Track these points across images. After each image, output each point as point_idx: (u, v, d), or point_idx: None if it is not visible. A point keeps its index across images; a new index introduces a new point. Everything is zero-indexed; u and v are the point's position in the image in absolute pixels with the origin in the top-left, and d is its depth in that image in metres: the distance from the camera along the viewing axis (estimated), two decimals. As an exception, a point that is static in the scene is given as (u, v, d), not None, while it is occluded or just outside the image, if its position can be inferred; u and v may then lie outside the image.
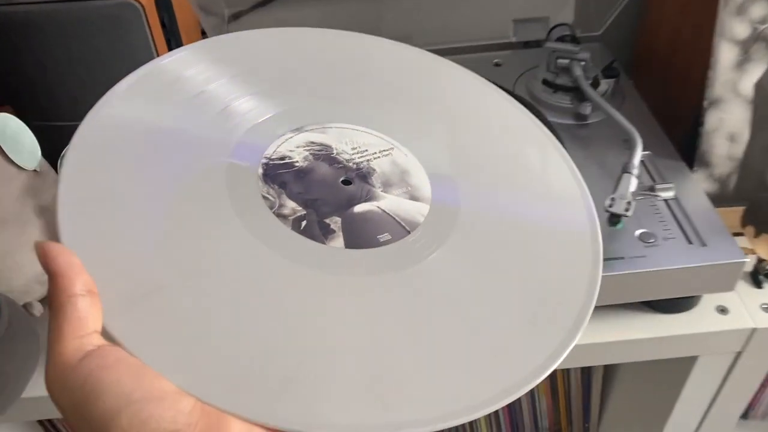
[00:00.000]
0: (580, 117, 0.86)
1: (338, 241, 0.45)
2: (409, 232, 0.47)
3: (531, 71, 0.95)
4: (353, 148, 0.52)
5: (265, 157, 0.50)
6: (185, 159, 0.47)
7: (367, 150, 0.53)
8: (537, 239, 0.50)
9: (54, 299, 0.35)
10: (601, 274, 0.48)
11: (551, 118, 0.85)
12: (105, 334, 0.37)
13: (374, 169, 0.51)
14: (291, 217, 0.46)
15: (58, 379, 0.33)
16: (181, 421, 0.33)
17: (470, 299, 0.44)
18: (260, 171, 0.49)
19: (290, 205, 0.47)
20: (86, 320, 0.35)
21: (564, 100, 0.88)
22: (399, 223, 0.48)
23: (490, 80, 0.62)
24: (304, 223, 0.46)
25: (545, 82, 0.89)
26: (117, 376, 0.33)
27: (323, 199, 0.48)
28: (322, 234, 0.46)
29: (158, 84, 0.51)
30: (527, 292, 0.46)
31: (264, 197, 0.47)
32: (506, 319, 0.44)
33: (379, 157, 0.52)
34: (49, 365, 0.34)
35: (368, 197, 0.49)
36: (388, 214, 0.48)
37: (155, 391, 0.34)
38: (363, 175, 0.51)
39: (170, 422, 0.32)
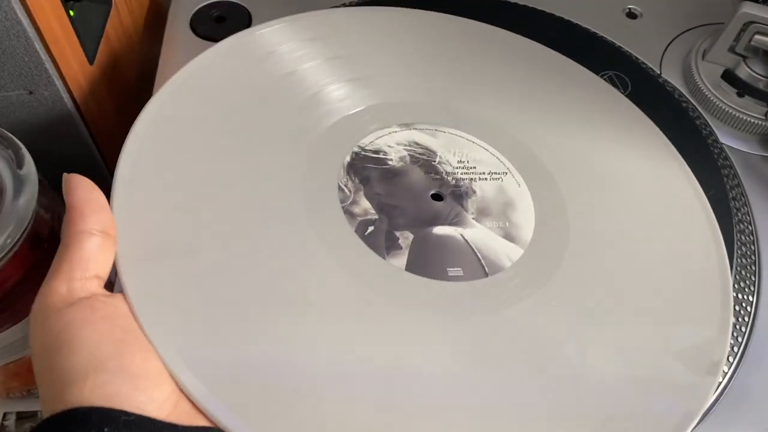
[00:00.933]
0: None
1: (401, 259, 0.39)
2: (487, 275, 0.40)
3: (697, 41, 0.61)
4: (460, 162, 0.45)
5: (359, 146, 0.45)
6: (270, 126, 0.43)
7: (475, 168, 0.45)
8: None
9: (63, 233, 0.32)
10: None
11: (727, 142, 0.56)
12: (110, 285, 0.34)
13: (475, 192, 0.44)
14: (360, 218, 0.41)
15: (40, 316, 0.31)
16: (148, 409, 0.29)
17: (528, 379, 0.36)
18: (347, 159, 0.44)
19: (364, 205, 0.41)
20: (89, 261, 0.32)
21: (757, 112, 0.56)
22: (480, 260, 0.40)
23: (618, 41, 0.50)
24: (371, 228, 0.40)
25: (729, 77, 0.57)
26: (98, 337, 0.30)
27: (403, 208, 0.42)
28: (386, 246, 0.39)
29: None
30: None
31: (339, 188, 0.42)
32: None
33: (486, 179, 0.45)
34: (38, 298, 0.31)
35: (455, 221, 0.42)
36: (471, 246, 0.41)
37: (133, 366, 0.30)
38: (459, 194, 0.44)
39: (136, 407, 0.28)
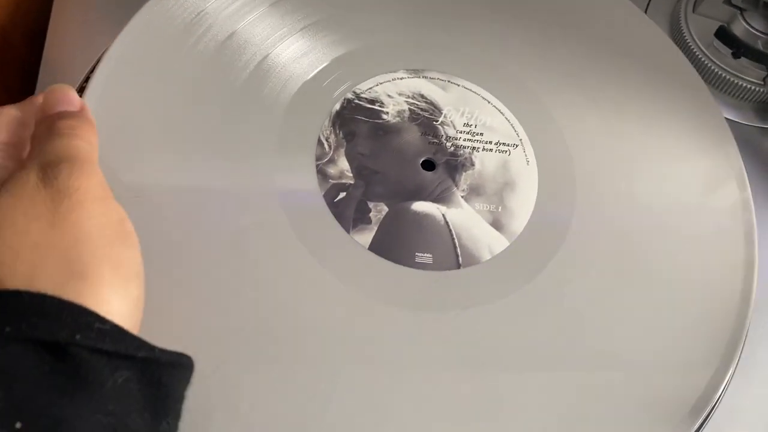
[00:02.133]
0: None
1: (366, 236, 0.36)
2: (459, 267, 0.36)
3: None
4: (466, 125, 0.40)
5: (354, 92, 0.40)
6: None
7: (481, 135, 0.40)
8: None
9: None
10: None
11: (725, 113, 0.48)
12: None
13: (473, 164, 0.39)
14: (333, 181, 0.37)
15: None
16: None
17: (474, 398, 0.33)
18: (337, 107, 0.39)
19: (342, 166, 0.38)
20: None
21: (754, 76, 0.48)
22: (455, 248, 0.36)
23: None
24: (342, 195, 0.37)
25: (723, 35, 0.48)
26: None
27: (385, 175, 0.38)
28: (354, 219, 0.36)
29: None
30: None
31: (320, 141, 0.38)
32: None
33: (491, 149, 0.40)
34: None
35: (441, 197, 0.38)
36: (450, 230, 0.37)
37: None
38: (455, 165, 0.39)
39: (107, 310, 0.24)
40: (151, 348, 0.24)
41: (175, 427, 0.25)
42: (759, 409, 0.38)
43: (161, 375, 0.24)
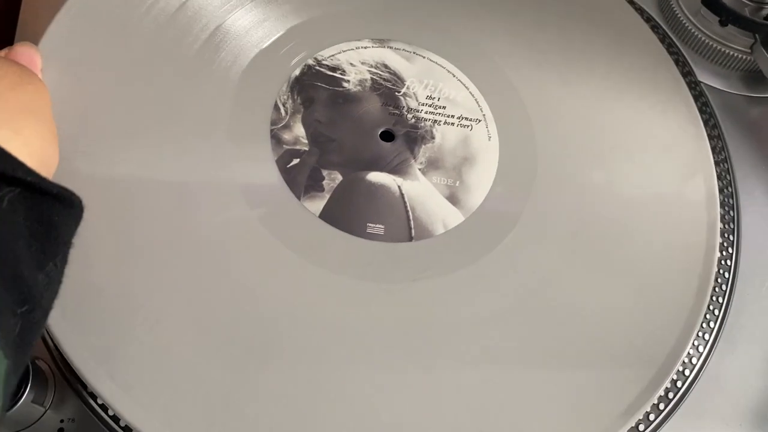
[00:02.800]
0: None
1: (317, 204, 0.35)
2: (411, 239, 0.35)
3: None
4: (429, 97, 0.39)
5: (315, 58, 0.39)
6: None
7: (444, 108, 0.39)
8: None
9: None
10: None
11: (706, 80, 0.46)
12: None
13: (433, 137, 0.38)
14: (287, 146, 0.36)
15: None
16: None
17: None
18: (296, 72, 0.38)
19: (297, 132, 0.37)
20: None
21: (740, 44, 0.46)
22: (409, 220, 0.36)
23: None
24: (295, 161, 0.36)
25: (711, 2, 0.46)
26: None
27: (341, 143, 0.37)
28: (306, 186, 0.35)
29: None
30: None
31: (276, 106, 0.37)
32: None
33: (453, 123, 0.39)
34: None
35: (397, 168, 0.37)
36: (405, 202, 0.36)
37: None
38: (414, 137, 0.38)
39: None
40: (40, 177, 0.24)
41: (61, 272, 0.25)
42: (743, 377, 0.37)
43: (51, 213, 0.24)
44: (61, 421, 0.30)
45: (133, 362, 0.29)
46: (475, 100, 0.40)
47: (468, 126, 0.39)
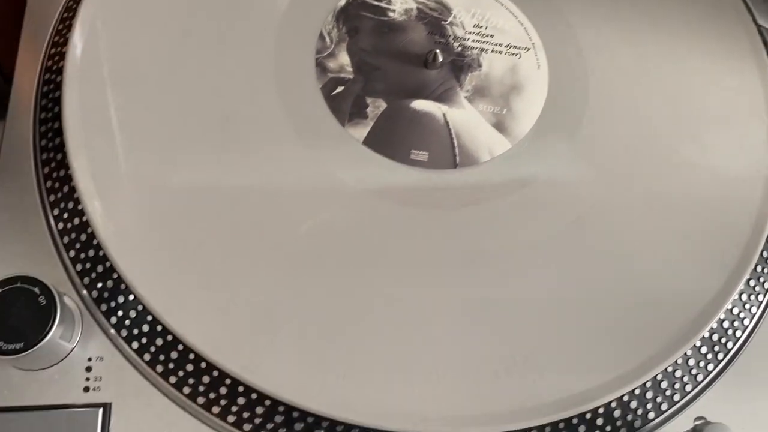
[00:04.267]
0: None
1: (361, 131, 0.35)
2: (455, 167, 0.35)
3: None
4: (476, 26, 0.38)
5: None
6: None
7: (492, 37, 0.38)
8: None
9: None
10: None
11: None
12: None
13: (480, 65, 0.37)
14: (331, 74, 0.36)
15: None
16: None
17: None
18: (341, 3, 0.38)
19: (342, 60, 0.37)
20: None
21: None
22: (453, 147, 0.35)
23: None
24: (340, 89, 0.36)
25: None
26: None
27: (385, 71, 0.37)
28: (351, 113, 0.35)
29: None
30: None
31: (321, 35, 0.37)
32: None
33: (500, 52, 0.38)
34: None
35: (442, 96, 0.36)
36: (450, 129, 0.35)
37: None
38: (460, 65, 0.37)
39: None
40: None
41: None
42: None
43: None
44: (89, 359, 0.31)
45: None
46: (524, 28, 0.39)
47: (516, 54, 0.38)
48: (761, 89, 0.38)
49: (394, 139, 0.35)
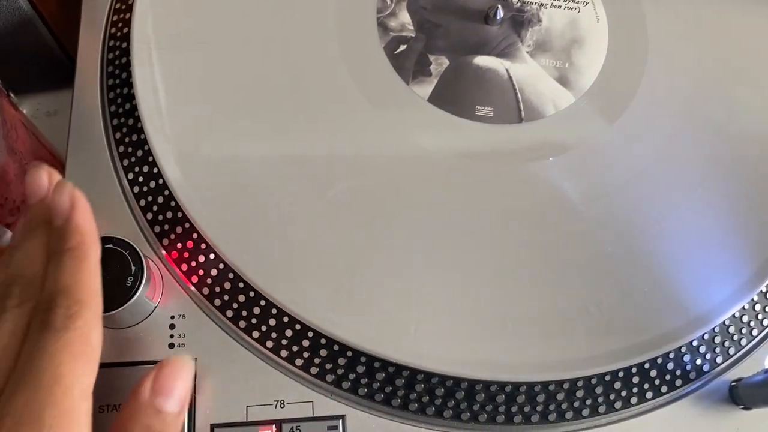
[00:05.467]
0: None
1: (425, 88, 0.35)
2: (521, 121, 0.35)
3: None
4: (534, -19, 0.38)
5: None
6: None
7: (550, -9, 0.38)
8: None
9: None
10: None
11: None
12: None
13: (540, 20, 0.37)
14: (393, 33, 0.36)
15: None
16: None
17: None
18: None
19: (403, 19, 0.37)
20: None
21: None
22: (518, 102, 0.35)
23: None
24: (403, 47, 0.36)
25: None
26: None
27: (447, 27, 0.37)
28: (414, 71, 0.35)
29: None
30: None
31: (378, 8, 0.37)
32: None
33: (560, 6, 0.38)
34: None
35: (505, 51, 0.36)
36: (513, 84, 0.35)
37: None
38: (521, 21, 0.37)
39: None
40: None
41: None
42: None
43: None
44: (172, 317, 0.31)
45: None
46: None
47: (575, 8, 0.38)
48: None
49: (458, 95, 0.35)
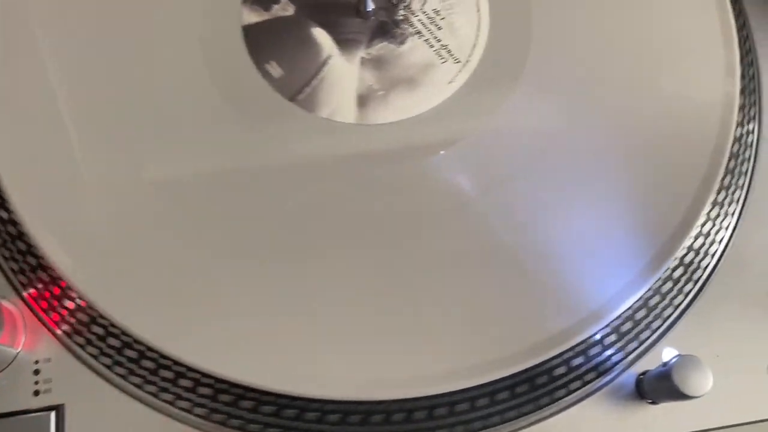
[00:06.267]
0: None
1: (253, 16, 0.34)
2: (293, 100, 0.34)
3: None
4: (435, 11, 0.37)
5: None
6: None
7: (439, 29, 0.37)
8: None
9: None
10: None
11: None
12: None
13: (403, 44, 0.36)
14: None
15: None
16: None
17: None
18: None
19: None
20: None
21: None
22: (308, 85, 0.34)
23: None
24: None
25: None
26: None
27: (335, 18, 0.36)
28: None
29: None
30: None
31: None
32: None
33: (432, 46, 0.36)
34: None
35: (344, 41, 0.36)
36: (320, 70, 0.35)
37: None
38: (386, 30, 0.36)
39: None
40: None
41: None
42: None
43: None
44: (36, 362, 0.30)
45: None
46: (474, 44, 0.37)
47: (443, 59, 0.36)
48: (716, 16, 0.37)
49: (270, 42, 0.34)
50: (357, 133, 0.34)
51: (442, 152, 0.33)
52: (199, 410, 0.30)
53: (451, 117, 0.35)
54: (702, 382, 0.28)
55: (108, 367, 0.30)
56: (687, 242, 0.34)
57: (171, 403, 0.30)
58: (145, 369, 0.30)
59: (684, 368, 0.28)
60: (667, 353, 0.32)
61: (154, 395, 0.30)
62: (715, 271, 0.34)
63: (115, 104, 0.33)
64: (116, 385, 0.30)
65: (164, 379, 0.30)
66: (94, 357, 0.30)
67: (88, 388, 0.30)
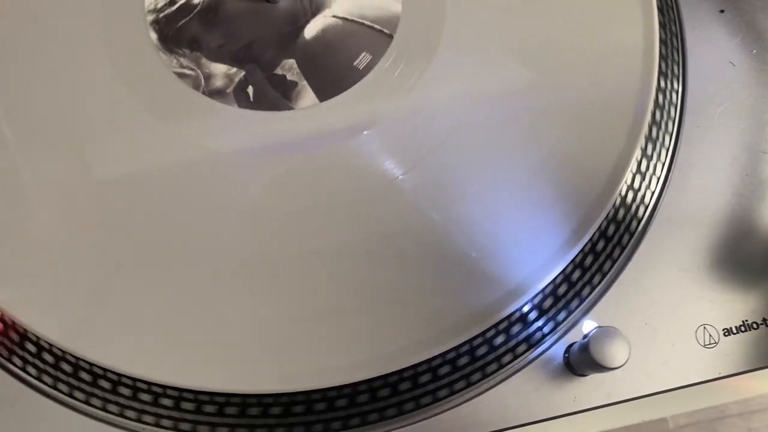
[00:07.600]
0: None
1: (307, 94, 0.32)
2: (391, 36, 0.32)
3: None
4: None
5: (150, 11, 0.33)
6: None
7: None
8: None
9: None
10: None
11: None
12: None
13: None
14: (229, 89, 0.32)
15: None
16: None
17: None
18: (153, 36, 0.33)
19: (218, 70, 0.33)
20: None
21: None
22: (372, 27, 0.32)
23: None
24: (250, 89, 0.32)
25: None
26: None
27: (258, 39, 0.32)
28: (282, 94, 0.32)
29: None
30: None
31: (179, 74, 0.33)
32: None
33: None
34: None
35: (316, 7, 0.33)
36: (354, 20, 0.32)
37: None
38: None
39: None
40: None
41: None
42: (698, 215, 0.33)
43: None
44: None
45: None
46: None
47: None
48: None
49: (333, 72, 0.32)
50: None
51: (366, 132, 0.32)
52: (112, 408, 0.29)
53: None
54: (619, 353, 0.28)
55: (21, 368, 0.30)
56: (617, 199, 0.32)
57: (86, 403, 0.29)
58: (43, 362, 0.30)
59: (600, 341, 0.28)
60: (587, 325, 0.30)
61: (52, 387, 0.30)
62: (646, 234, 0.33)
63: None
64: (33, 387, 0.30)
65: (51, 366, 0.30)
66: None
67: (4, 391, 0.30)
